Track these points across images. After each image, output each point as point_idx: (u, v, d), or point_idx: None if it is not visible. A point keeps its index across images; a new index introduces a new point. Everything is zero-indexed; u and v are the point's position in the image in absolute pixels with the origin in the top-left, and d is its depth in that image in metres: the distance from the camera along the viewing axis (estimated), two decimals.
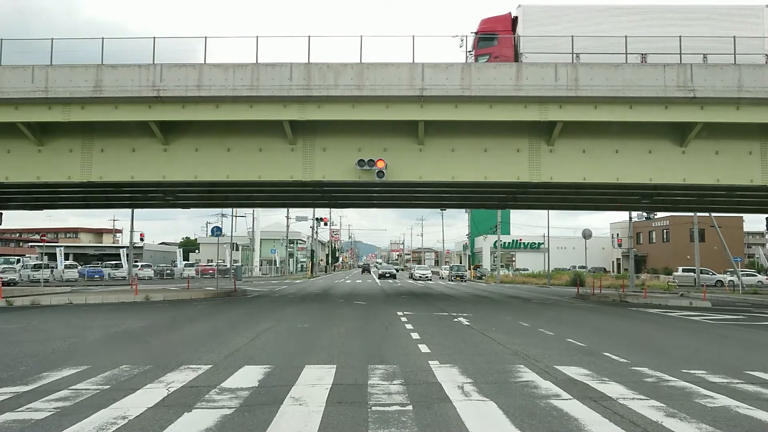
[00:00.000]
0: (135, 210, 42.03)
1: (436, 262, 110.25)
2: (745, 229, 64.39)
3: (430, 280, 52.93)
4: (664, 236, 64.09)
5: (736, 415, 5.49)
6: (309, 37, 17.19)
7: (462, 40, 17.75)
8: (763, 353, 10.37)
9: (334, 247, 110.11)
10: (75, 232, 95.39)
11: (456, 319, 14.91)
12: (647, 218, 47.75)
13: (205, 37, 17.37)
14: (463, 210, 68.92)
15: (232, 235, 46.05)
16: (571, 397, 6.06)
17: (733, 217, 50.09)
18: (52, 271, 41.38)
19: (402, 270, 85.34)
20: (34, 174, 18.54)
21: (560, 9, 18.13)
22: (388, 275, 57.04)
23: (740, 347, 11.22)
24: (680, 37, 16.70)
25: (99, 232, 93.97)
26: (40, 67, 16.84)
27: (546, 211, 42.33)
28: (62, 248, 49.07)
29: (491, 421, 5.21)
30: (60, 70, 16.83)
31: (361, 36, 17.30)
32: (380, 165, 17.61)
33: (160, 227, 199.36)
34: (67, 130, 18.17)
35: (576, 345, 10.29)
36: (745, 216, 54.05)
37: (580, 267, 52.96)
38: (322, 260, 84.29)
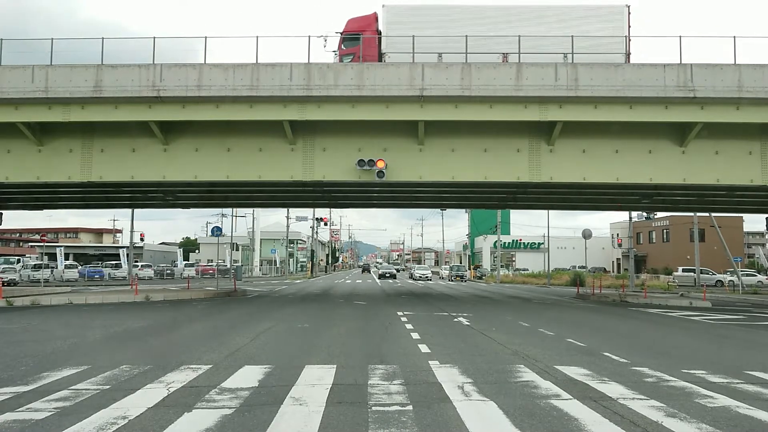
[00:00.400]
0: (135, 210, 42.06)
1: (436, 262, 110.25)
2: (745, 229, 64.37)
3: (430, 280, 52.92)
4: (664, 236, 64.08)
5: (736, 415, 5.49)
6: (309, 37, 17.23)
7: (326, 41, 17.80)
8: (763, 353, 10.37)
9: (334, 247, 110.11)
10: (75, 232, 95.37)
11: (456, 319, 14.91)
12: (647, 218, 47.77)
13: (205, 37, 17.39)
14: (463, 210, 68.90)
15: (232, 235, 46.05)
16: (571, 397, 6.06)
17: (733, 217, 50.07)
18: (52, 271, 41.36)
19: (402, 270, 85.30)
20: (34, 174, 18.54)
21: (424, 9, 18.27)
22: (388, 275, 57.03)
23: (740, 347, 11.22)
24: (544, 37, 16.94)
25: (99, 232, 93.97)
26: (40, 67, 16.84)
27: (546, 211, 42.35)
28: (62, 248, 49.08)
29: (491, 421, 5.21)
30: (60, 70, 16.83)
31: (361, 36, 17.26)
32: (380, 165, 17.61)
33: (160, 227, 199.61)
34: (67, 130, 18.17)
35: (576, 345, 10.29)
36: (745, 216, 54.04)
37: (580, 267, 52.96)
38: (322, 260, 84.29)
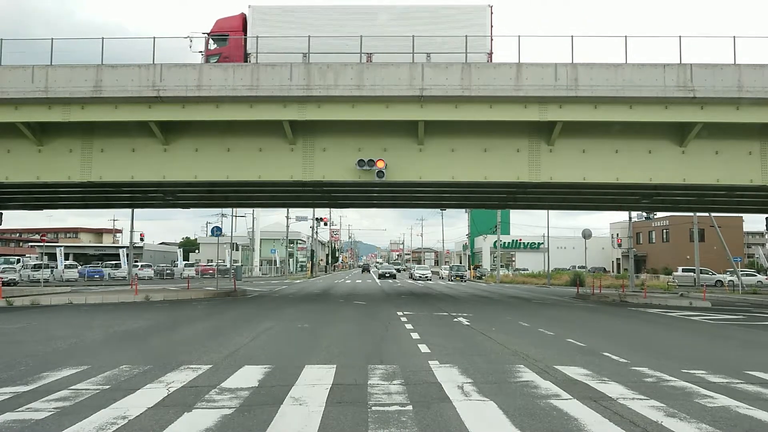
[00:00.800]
0: (135, 210, 42.03)
1: (436, 262, 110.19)
2: (745, 229, 64.37)
3: (430, 280, 52.93)
4: (664, 236, 64.09)
5: (736, 415, 5.49)
6: (309, 37, 17.17)
7: (191, 41, 17.84)
8: (763, 353, 10.38)
9: (334, 247, 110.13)
10: (75, 232, 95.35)
11: (456, 319, 14.91)
12: (647, 218, 47.73)
13: (205, 37, 17.38)
14: (463, 210, 68.90)
15: (232, 235, 46.07)
16: (571, 397, 6.06)
17: (733, 217, 50.07)
18: (52, 271, 41.35)
19: (403, 270, 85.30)
20: (34, 174, 18.53)
21: (290, 9, 18.39)
22: (387, 275, 57.03)
23: (740, 347, 11.23)
24: (413, 37, 16.94)
25: (99, 232, 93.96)
26: (40, 67, 16.83)
27: (546, 211, 42.34)
28: (62, 248, 49.08)
29: (491, 421, 5.21)
30: (60, 70, 16.83)
31: (361, 36, 17.26)
32: (380, 165, 17.61)
33: (160, 227, 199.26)
34: (67, 130, 18.17)
35: (576, 345, 10.29)
36: (745, 216, 54.03)
37: (579, 267, 52.96)
38: (322, 260, 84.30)
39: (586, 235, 33.99)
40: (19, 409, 5.46)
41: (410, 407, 5.58)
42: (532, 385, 6.65)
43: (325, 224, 75.44)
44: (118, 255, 50.81)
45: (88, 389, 6.29)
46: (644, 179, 18.33)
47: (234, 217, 52.61)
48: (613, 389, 6.49)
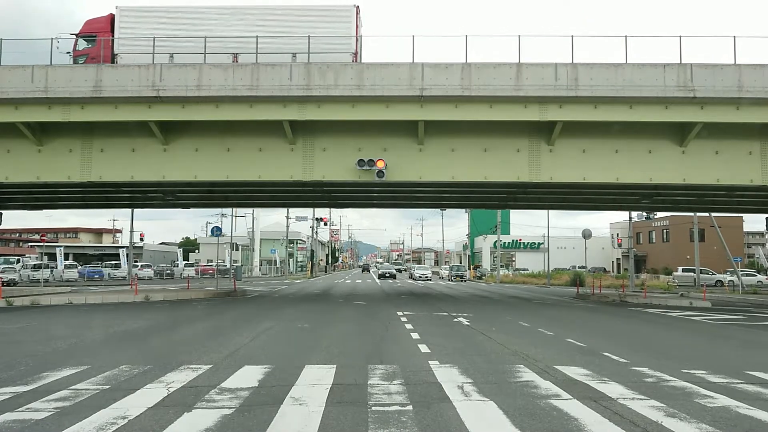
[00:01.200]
0: (135, 210, 42.02)
1: (436, 262, 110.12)
2: (745, 229, 64.36)
3: (430, 280, 52.92)
4: (664, 236, 64.08)
5: (736, 415, 5.49)
6: (309, 37, 17.18)
7: (58, 42, 17.89)
8: (763, 353, 10.38)
9: (334, 247, 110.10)
10: (75, 232, 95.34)
11: (456, 319, 14.90)
12: (647, 218, 47.74)
13: (205, 38, 17.38)
14: (463, 210, 68.90)
15: (232, 235, 46.05)
16: (571, 397, 6.06)
17: (733, 217, 50.07)
18: (51, 271, 41.33)
19: (404, 270, 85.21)
20: (33, 174, 18.53)
21: (157, 10, 18.52)
22: (387, 275, 57.02)
23: (740, 347, 11.23)
24: (277, 37, 17.23)
25: (99, 232, 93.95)
26: (39, 67, 16.83)
27: (546, 211, 42.32)
28: (62, 248, 49.06)
29: (491, 421, 5.21)
30: (60, 70, 16.83)
31: (361, 36, 17.28)
32: (380, 165, 17.61)
33: (160, 227, 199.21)
34: (67, 130, 18.17)
35: (576, 345, 10.29)
36: (745, 216, 54.04)
37: (579, 267, 52.94)
38: (321, 260, 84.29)
39: (586, 235, 33.99)
40: (19, 409, 5.45)
41: (410, 407, 5.58)
42: (532, 385, 6.65)
43: (325, 224, 75.44)
44: (118, 255, 50.80)
45: (88, 389, 6.29)
46: (644, 179, 18.33)
47: (234, 217, 52.62)
48: (613, 389, 6.49)
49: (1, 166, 18.55)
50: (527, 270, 62.45)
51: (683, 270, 45.10)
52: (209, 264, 57.11)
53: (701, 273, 40.70)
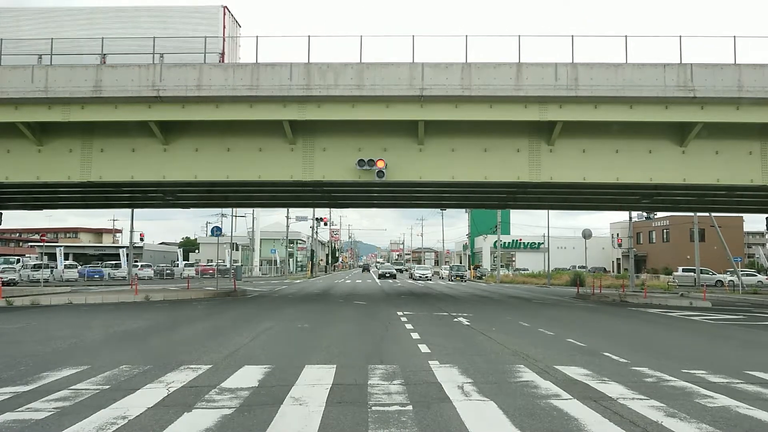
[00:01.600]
0: (135, 210, 42.02)
1: (436, 262, 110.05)
2: (745, 229, 64.37)
3: (430, 280, 52.94)
4: (664, 236, 64.08)
5: (736, 415, 5.49)
6: (309, 36, 17.24)
7: None
8: (763, 353, 10.38)
9: (334, 247, 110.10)
10: (75, 232, 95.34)
11: (456, 319, 14.90)
12: (647, 218, 47.77)
13: (205, 38, 17.39)
14: (463, 210, 68.92)
15: (232, 235, 46.10)
16: (571, 397, 6.06)
17: (733, 217, 50.07)
18: (51, 271, 41.32)
19: (404, 270, 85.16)
20: (33, 174, 18.53)
21: (32, 11, 18.61)
22: (387, 275, 57.02)
23: (740, 347, 11.23)
24: (154, 37, 17.29)
25: (99, 232, 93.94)
26: (40, 67, 16.84)
27: (546, 211, 42.33)
28: (62, 248, 49.05)
29: (491, 421, 5.21)
30: (60, 70, 16.82)
31: (361, 36, 17.28)
32: (380, 165, 17.60)
33: (160, 227, 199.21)
34: (67, 130, 18.17)
35: (576, 345, 10.29)
36: (745, 216, 54.05)
37: (580, 267, 52.93)
38: (322, 260, 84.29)
39: (586, 235, 33.99)
40: (19, 409, 5.45)
41: (410, 407, 5.58)
42: (532, 385, 6.65)
43: (325, 224, 75.44)
44: (118, 255, 50.79)
45: (88, 389, 6.29)
46: (644, 179, 18.33)
47: (234, 217, 52.68)
48: (613, 389, 6.49)
49: (1, 166, 18.55)
50: (527, 270, 62.45)
51: (683, 270, 45.09)
52: (209, 264, 57.11)
53: (701, 273, 40.68)
